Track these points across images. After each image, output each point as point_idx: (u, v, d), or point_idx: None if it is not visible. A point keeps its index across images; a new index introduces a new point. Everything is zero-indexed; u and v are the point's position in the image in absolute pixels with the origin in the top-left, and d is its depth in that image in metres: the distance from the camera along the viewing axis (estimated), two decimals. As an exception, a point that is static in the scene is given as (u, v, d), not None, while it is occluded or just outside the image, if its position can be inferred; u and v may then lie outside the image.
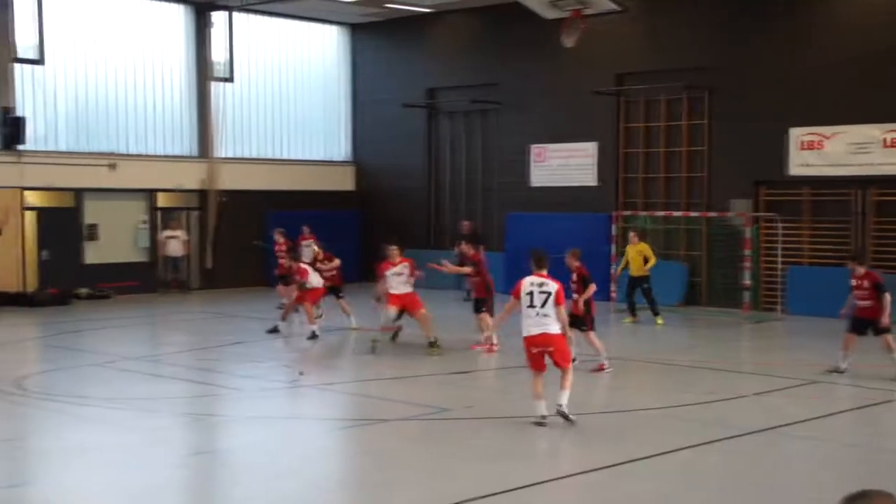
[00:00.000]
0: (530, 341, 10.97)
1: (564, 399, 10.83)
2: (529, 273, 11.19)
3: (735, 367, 15.80)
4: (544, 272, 11.11)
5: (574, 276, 14.55)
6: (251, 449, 10.52)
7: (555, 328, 10.88)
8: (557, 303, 10.88)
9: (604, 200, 23.99)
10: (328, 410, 12.62)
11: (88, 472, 9.48)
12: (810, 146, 21.12)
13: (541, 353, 10.95)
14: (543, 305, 10.85)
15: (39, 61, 23.53)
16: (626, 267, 19.81)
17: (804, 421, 11.48)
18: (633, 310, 19.69)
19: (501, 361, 15.36)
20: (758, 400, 12.84)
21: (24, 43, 23.30)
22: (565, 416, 10.83)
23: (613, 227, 22.55)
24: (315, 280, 17.91)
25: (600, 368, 14.18)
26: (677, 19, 23.05)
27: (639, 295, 19.73)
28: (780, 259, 21.08)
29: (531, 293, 10.93)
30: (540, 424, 10.80)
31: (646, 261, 19.58)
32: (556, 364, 10.96)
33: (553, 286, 10.94)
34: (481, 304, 16.13)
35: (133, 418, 11.67)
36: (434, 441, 10.70)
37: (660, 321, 19.46)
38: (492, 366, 15.10)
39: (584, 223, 23.20)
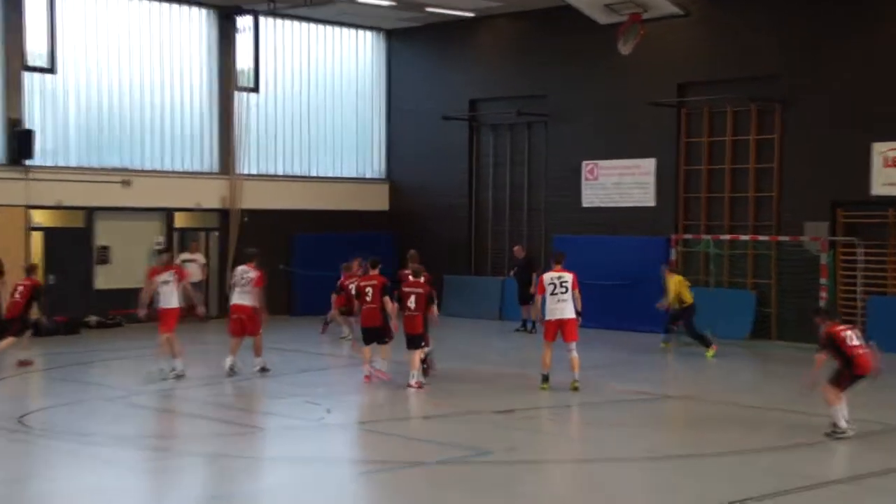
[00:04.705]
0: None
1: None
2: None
3: (810, 408, 15.50)
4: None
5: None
6: (272, 493, 10.45)
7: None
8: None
9: (662, 222, 23.82)
10: (357, 452, 12.55)
11: (93, 518, 9.47)
12: (895, 163, 20.84)
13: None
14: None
15: (50, 70, 23.84)
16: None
17: (889, 472, 11.19)
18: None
19: (548, 400, 15.25)
20: (836, 446, 12.56)
21: (35, 50, 23.63)
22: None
23: (672, 252, 22.33)
24: None
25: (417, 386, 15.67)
26: (745, 23, 22.88)
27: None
28: (859, 288, 20.78)
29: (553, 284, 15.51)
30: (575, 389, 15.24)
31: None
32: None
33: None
34: None
35: (144, 459, 11.68)
36: (472, 488, 10.55)
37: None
38: (538, 404, 14.95)
39: (639, 247, 22.98)
